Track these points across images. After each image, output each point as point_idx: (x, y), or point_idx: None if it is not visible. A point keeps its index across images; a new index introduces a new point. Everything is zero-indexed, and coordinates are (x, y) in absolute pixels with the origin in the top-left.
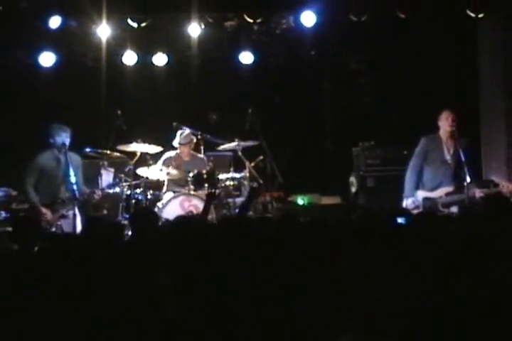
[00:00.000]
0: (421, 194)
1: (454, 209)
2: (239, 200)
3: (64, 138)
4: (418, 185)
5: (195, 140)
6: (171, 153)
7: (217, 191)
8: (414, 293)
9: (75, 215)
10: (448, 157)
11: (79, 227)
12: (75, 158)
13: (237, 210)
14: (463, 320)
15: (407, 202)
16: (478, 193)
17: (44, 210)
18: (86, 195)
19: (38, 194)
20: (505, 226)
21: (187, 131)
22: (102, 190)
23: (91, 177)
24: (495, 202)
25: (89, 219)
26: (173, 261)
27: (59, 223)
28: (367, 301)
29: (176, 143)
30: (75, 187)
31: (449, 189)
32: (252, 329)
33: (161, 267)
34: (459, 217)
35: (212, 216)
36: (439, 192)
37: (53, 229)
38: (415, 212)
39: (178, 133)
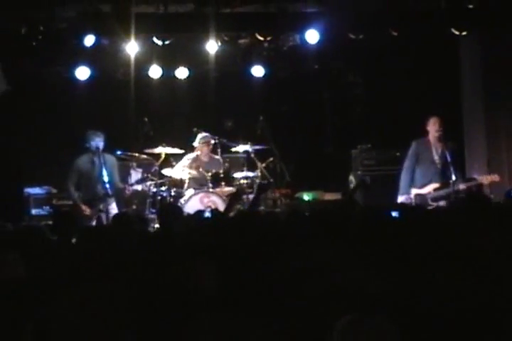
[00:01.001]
0: (413, 191)
1: (442, 203)
2: (252, 197)
3: (98, 142)
4: (411, 184)
5: (212, 141)
6: (192, 155)
7: (239, 192)
8: (406, 280)
9: (107, 210)
10: (436, 157)
11: None
12: (110, 159)
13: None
14: (448, 307)
15: (401, 199)
16: (461, 186)
17: (84, 207)
18: (119, 191)
19: (78, 192)
20: (483, 221)
21: (206, 134)
22: (132, 185)
23: (121, 177)
24: (475, 198)
25: (117, 213)
26: (202, 249)
27: (97, 217)
28: (363, 288)
29: (196, 143)
30: (107, 185)
31: (437, 185)
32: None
33: (194, 254)
34: (445, 210)
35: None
36: (428, 189)
37: (93, 223)
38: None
39: (199, 135)
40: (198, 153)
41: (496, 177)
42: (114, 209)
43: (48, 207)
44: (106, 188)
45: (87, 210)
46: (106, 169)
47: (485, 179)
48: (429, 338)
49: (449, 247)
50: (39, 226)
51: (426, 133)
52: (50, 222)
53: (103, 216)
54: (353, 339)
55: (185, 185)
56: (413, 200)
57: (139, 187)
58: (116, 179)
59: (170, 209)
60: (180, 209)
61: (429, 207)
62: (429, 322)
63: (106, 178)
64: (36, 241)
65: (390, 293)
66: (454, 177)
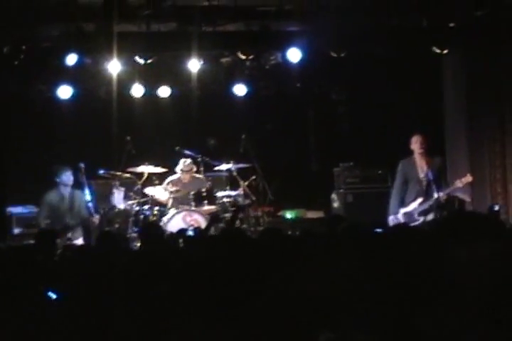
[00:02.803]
0: (401, 211)
1: (430, 216)
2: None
3: (67, 177)
4: (401, 204)
5: (195, 169)
6: (174, 176)
7: (219, 213)
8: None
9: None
10: (422, 175)
11: None
12: (78, 194)
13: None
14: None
15: (389, 219)
16: (442, 197)
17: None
18: (86, 221)
19: (49, 223)
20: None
21: (189, 160)
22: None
23: (104, 196)
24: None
25: (101, 232)
26: (176, 270)
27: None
28: (346, 302)
29: (178, 169)
30: (76, 216)
31: (421, 199)
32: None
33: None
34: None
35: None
36: (413, 205)
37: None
38: None
39: (182, 161)
40: (181, 176)
41: (468, 178)
42: (79, 239)
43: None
44: (74, 220)
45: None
46: (75, 202)
47: (459, 182)
48: None
49: (430, 262)
50: (26, 245)
51: (411, 152)
52: (33, 242)
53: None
54: None
55: (168, 204)
56: (401, 220)
57: (121, 206)
58: (83, 212)
59: (151, 229)
60: (161, 229)
61: (417, 223)
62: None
63: (75, 210)
64: (24, 260)
65: (376, 307)
66: (435, 195)
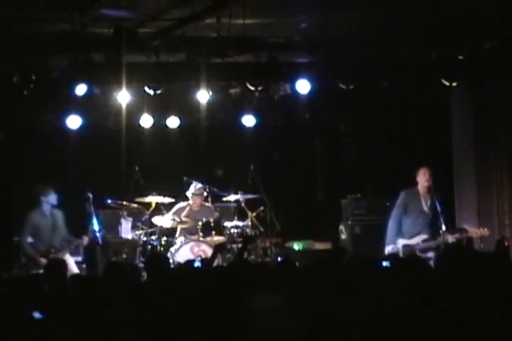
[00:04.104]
0: (401, 241)
1: (431, 254)
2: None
3: (51, 196)
4: (399, 234)
5: (205, 194)
6: (183, 204)
7: (225, 243)
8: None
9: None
10: (425, 208)
11: (74, 270)
12: (58, 213)
13: None
14: None
15: (388, 249)
16: (451, 239)
17: (42, 260)
18: (76, 242)
19: (35, 245)
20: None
21: (199, 184)
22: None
23: (112, 225)
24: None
25: (109, 262)
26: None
27: None
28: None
29: (189, 193)
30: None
31: (425, 236)
32: None
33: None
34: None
35: (218, 259)
36: (416, 239)
37: None
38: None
39: (192, 185)
40: (190, 202)
41: (485, 232)
42: (68, 261)
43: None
44: (59, 240)
45: (43, 262)
46: (57, 221)
47: (475, 233)
48: None
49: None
50: (36, 275)
51: (415, 183)
52: (41, 271)
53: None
54: None
55: (176, 234)
56: (400, 250)
57: (129, 236)
58: (63, 232)
59: (157, 260)
60: (167, 260)
61: None
62: None
63: (57, 229)
64: (34, 289)
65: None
66: (443, 228)
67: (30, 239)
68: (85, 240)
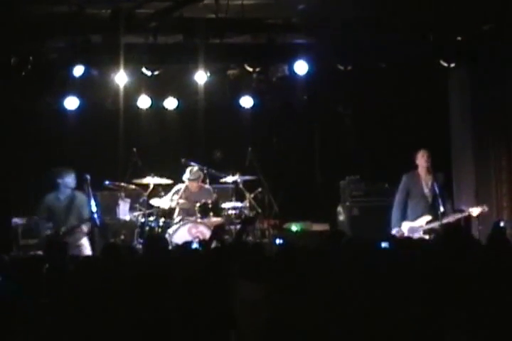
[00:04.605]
0: (405, 225)
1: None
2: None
3: (67, 179)
4: (403, 217)
5: (202, 176)
6: (181, 186)
7: (223, 224)
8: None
9: (78, 245)
10: (426, 190)
11: (88, 253)
12: (79, 196)
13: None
14: None
15: (393, 232)
16: (451, 218)
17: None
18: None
19: (48, 226)
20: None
21: (196, 167)
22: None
23: (109, 207)
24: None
25: (107, 244)
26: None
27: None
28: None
29: (185, 178)
30: (76, 221)
31: (429, 218)
32: None
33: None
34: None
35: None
36: (420, 221)
37: None
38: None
39: (188, 169)
40: (188, 184)
41: (484, 208)
42: (83, 244)
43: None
44: (70, 224)
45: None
46: (73, 205)
47: (474, 210)
48: None
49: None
50: (37, 256)
51: (416, 166)
52: (40, 252)
53: (74, 250)
54: None
55: (174, 215)
56: (405, 233)
57: (126, 218)
58: (84, 216)
59: (155, 241)
60: (166, 241)
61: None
62: None
63: (77, 214)
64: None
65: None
66: (442, 209)
67: (48, 224)
68: (85, 227)
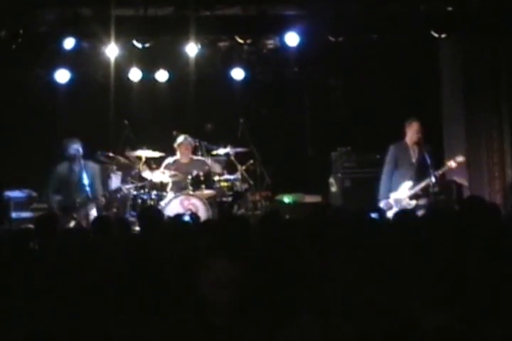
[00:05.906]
0: (393, 196)
1: (422, 201)
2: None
3: (75, 149)
4: (391, 189)
5: (193, 143)
6: (172, 158)
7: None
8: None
9: (87, 215)
10: (414, 160)
11: None
12: (91, 166)
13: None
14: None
15: (381, 204)
16: (437, 176)
17: (58, 213)
18: (97, 198)
19: (58, 197)
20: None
21: (189, 137)
22: (107, 195)
23: (101, 180)
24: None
25: (97, 217)
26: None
27: (77, 223)
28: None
29: (176, 144)
30: (86, 192)
31: (410, 183)
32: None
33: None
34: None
35: (208, 213)
36: (403, 190)
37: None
38: (389, 212)
39: (179, 137)
40: (178, 156)
41: (460, 158)
42: (93, 215)
43: (28, 211)
44: (84, 194)
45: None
46: (86, 176)
47: (452, 163)
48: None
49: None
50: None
51: (403, 135)
52: (31, 226)
53: (84, 222)
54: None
55: (167, 188)
56: (393, 205)
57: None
58: (97, 186)
59: (150, 213)
60: (160, 213)
61: (409, 207)
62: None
63: (85, 185)
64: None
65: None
66: (433, 179)
67: (58, 197)
68: (101, 200)
